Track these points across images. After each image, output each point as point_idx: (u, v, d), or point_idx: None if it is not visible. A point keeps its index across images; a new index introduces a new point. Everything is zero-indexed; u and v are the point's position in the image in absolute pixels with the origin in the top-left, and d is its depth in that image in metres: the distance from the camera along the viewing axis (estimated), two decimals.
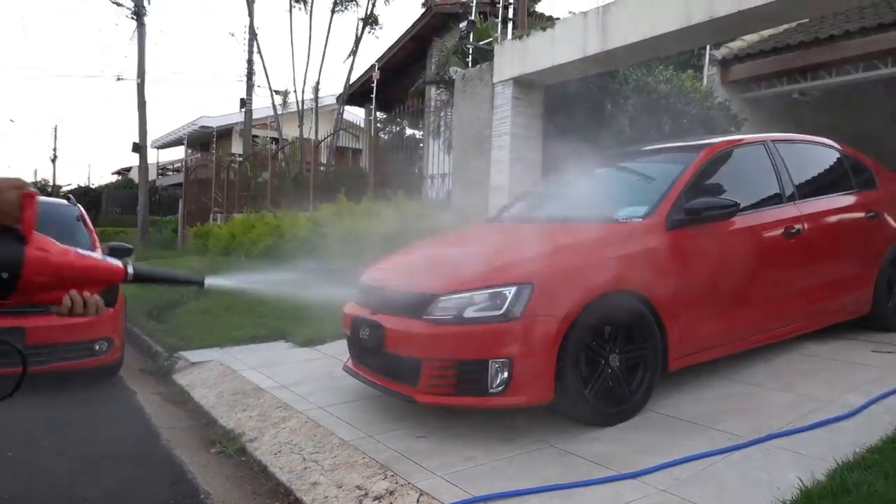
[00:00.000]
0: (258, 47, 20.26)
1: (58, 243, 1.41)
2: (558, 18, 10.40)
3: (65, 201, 6.28)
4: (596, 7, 6.40)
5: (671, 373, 3.46)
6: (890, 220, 4.64)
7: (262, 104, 23.28)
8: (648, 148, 4.91)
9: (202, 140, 28.23)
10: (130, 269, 1.51)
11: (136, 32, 18.30)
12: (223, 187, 17.15)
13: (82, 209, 6.09)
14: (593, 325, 3.16)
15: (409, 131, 17.44)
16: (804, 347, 4.24)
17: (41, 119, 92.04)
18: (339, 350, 4.91)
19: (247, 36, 21.68)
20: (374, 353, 3.52)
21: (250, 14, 19.99)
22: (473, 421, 3.30)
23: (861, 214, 4.52)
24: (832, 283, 4.27)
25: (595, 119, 7.55)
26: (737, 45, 9.49)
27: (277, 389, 4.19)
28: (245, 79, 21.92)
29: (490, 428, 3.21)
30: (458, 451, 2.98)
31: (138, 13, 18.26)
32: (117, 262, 1.50)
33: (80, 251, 1.45)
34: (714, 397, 3.50)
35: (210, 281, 1.75)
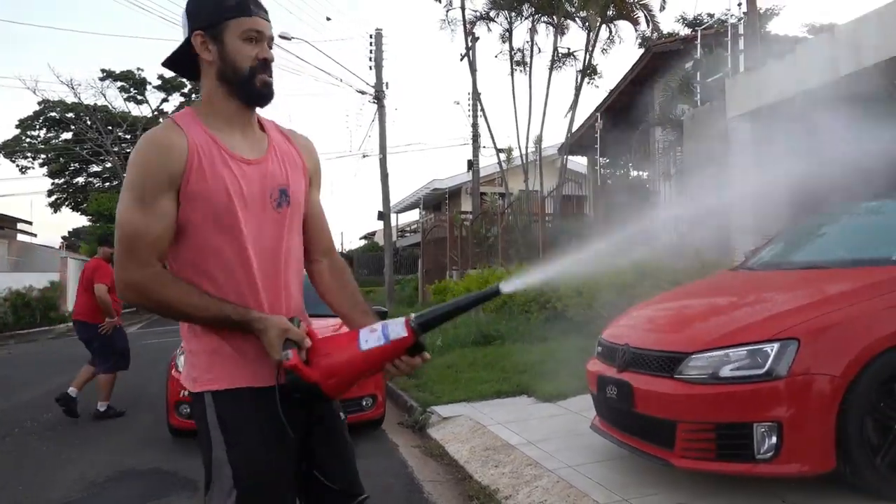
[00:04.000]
0: (482, 110, 21.45)
1: (342, 345, 1.58)
2: (796, 37, 9.59)
3: None
4: (845, 23, 5.80)
5: None
6: None
7: (487, 162, 24.56)
8: None
9: (434, 201, 30.41)
10: (414, 326, 1.55)
11: (376, 114, 20.50)
12: (457, 245, 18.21)
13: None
14: (880, 383, 2.79)
15: (633, 173, 17.08)
16: None
17: None
18: (581, 406, 4.88)
19: (471, 102, 23.13)
20: (622, 412, 3.46)
21: (473, 82, 21.33)
22: (741, 488, 3.06)
23: None
24: None
25: (860, 145, 6.72)
26: None
27: (525, 446, 4.28)
28: (471, 141, 23.33)
29: (760, 498, 2.95)
30: None
31: (378, 97, 20.47)
32: (401, 333, 1.55)
33: (365, 342, 1.56)
34: None
35: (506, 285, 1.61)
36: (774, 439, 2.77)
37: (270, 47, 1.66)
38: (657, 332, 3.67)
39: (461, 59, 21.79)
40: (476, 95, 21.92)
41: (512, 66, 19.09)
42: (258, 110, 1.73)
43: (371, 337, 1.56)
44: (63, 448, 5.34)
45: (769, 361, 2.85)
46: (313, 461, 1.72)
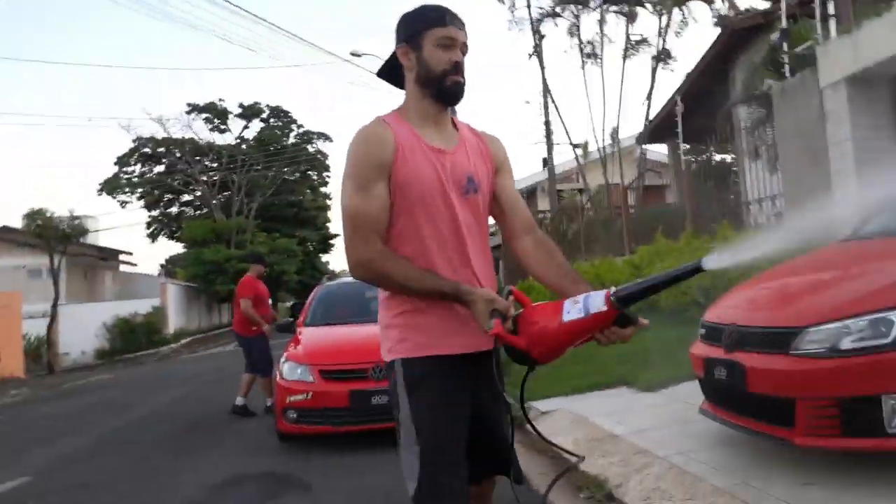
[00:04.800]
0: (555, 106, 21.28)
1: (547, 314, 1.68)
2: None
3: None
4: None
5: None
6: None
7: (561, 159, 24.28)
8: None
9: None
10: (613, 300, 1.58)
11: None
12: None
13: None
14: None
15: (717, 157, 16.45)
16: None
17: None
18: (684, 394, 4.74)
19: (542, 99, 22.97)
20: (734, 394, 3.33)
21: (543, 79, 21.21)
22: (869, 466, 2.89)
23: None
24: None
25: None
26: None
27: (632, 435, 4.19)
28: (544, 139, 23.13)
29: (890, 472, 2.78)
30: (856, 500, 2.63)
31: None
32: (600, 307, 1.59)
33: (567, 313, 1.63)
34: None
35: (709, 261, 1.51)
36: None
37: (464, 53, 1.87)
38: (765, 309, 3.52)
39: (530, 58, 21.69)
40: (547, 91, 21.75)
41: (582, 58, 18.87)
42: (451, 110, 1.98)
43: (573, 309, 1.63)
44: (180, 456, 5.65)
45: (894, 329, 2.68)
46: (481, 425, 1.90)
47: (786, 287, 3.73)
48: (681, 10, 17.26)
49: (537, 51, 20.56)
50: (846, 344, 2.80)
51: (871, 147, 6.47)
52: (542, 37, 20.69)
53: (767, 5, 12.90)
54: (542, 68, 21.01)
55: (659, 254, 8.58)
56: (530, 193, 27.77)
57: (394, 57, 1.92)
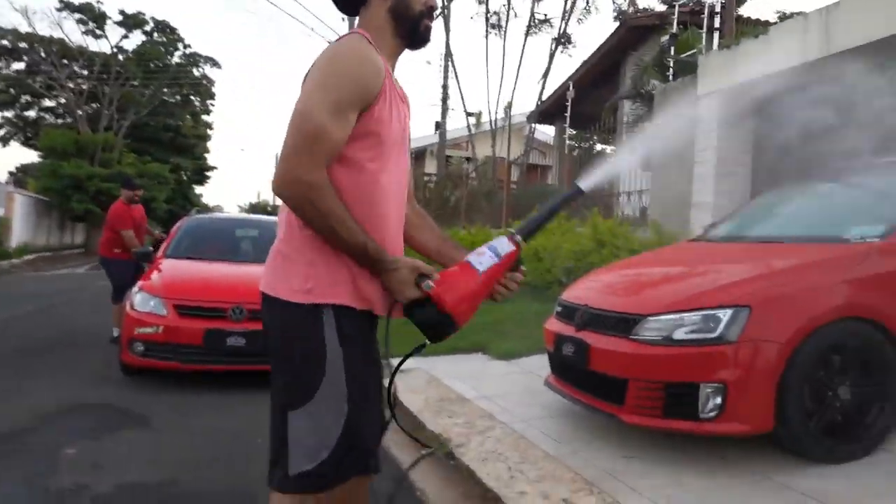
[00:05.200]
0: (454, 72, 21.27)
1: (462, 273, 1.65)
2: (767, 21, 9.73)
3: None
4: (818, 9, 5.92)
5: None
6: None
7: (455, 126, 24.42)
8: (882, 160, 4.43)
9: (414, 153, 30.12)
10: (519, 238, 1.66)
11: None
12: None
13: None
14: (820, 353, 2.94)
15: (599, 147, 17.21)
16: None
17: (266, 147, 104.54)
18: (535, 365, 5.01)
19: (442, 63, 22.85)
20: (577, 370, 3.57)
21: (447, 42, 21.06)
22: (683, 445, 3.21)
23: None
24: None
25: (815, 129, 6.92)
26: None
27: (480, 400, 4.38)
28: (440, 102, 23.10)
29: (702, 454, 3.11)
30: (666, 475, 2.92)
31: None
32: (508, 247, 1.65)
33: (480, 265, 1.64)
34: None
35: (584, 183, 1.69)
36: (719, 400, 2.90)
37: None
38: (616, 294, 3.77)
39: (435, 18, 21.41)
40: (448, 55, 21.67)
41: (487, 28, 18.91)
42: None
43: (483, 259, 1.63)
44: (10, 379, 5.24)
45: (721, 326, 2.97)
46: None
47: (637, 276, 4.02)
48: None
49: (444, 12, 20.39)
50: (679, 334, 3.06)
51: (730, 159, 7.05)
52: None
53: (664, 8, 13.55)
54: (447, 31, 20.89)
55: None
56: (419, 155, 27.75)
57: None
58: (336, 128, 1.54)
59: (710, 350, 2.96)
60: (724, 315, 2.98)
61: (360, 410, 1.60)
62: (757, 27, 8.05)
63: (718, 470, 2.96)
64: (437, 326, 1.61)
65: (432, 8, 1.73)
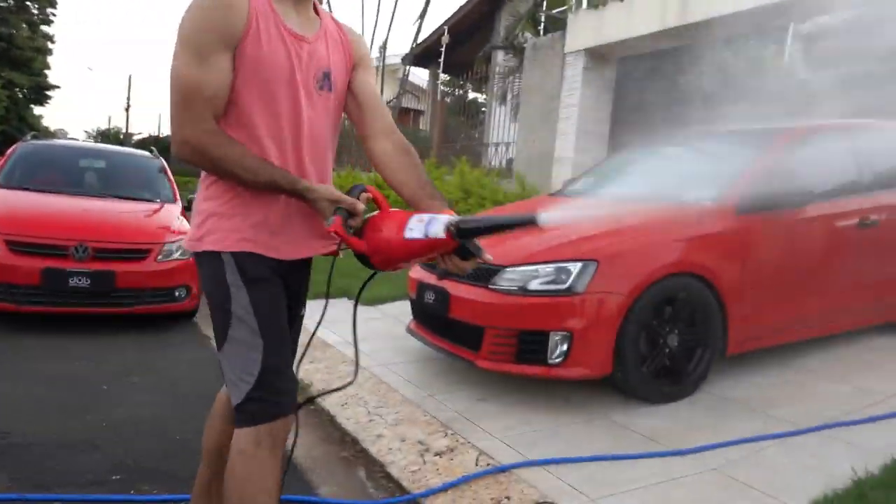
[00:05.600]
0: (328, 5, 20.32)
1: (390, 226, 1.60)
2: None
3: (148, 153, 6.61)
4: None
5: (730, 356, 3.51)
6: None
7: None
8: (723, 129, 4.84)
9: None
10: (452, 230, 1.48)
11: None
12: None
13: (164, 162, 6.41)
14: (655, 304, 3.22)
15: (472, 95, 17.35)
16: (870, 340, 4.19)
17: (119, 70, 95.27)
18: (399, 311, 5.10)
19: None
20: (437, 317, 3.67)
21: None
22: (533, 389, 3.43)
23: None
24: None
25: (668, 95, 7.40)
26: (823, 19, 9.05)
27: (342, 345, 4.41)
28: None
29: (548, 397, 3.35)
30: (516, 416, 3.13)
31: None
32: (439, 233, 1.49)
33: (409, 231, 1.54)
34: (771, 382, 3.54)
35: (546, 217, 1.44)
36: (565, 347, 3.13)
37: None
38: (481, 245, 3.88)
39: None
40: None
41: None
42: None
43: (416, 227, 1.54)
44: None
45: (571, 278, 3.17)
46: None
47: None
48: None
49: None
50: (534, 285, 3.24)
51: (591, 117, 7.39)
52: None
53: None
54: None
55: None
56: None
57: None
58: (205, 76, 1.53)
59: (559, 300, 3.16)
60: (575, 268, 3.18)
61: (275, 344, 1.66)
62: None
63: (563, 410, 3.20)
64: (360, 259, 1.64)
65: None
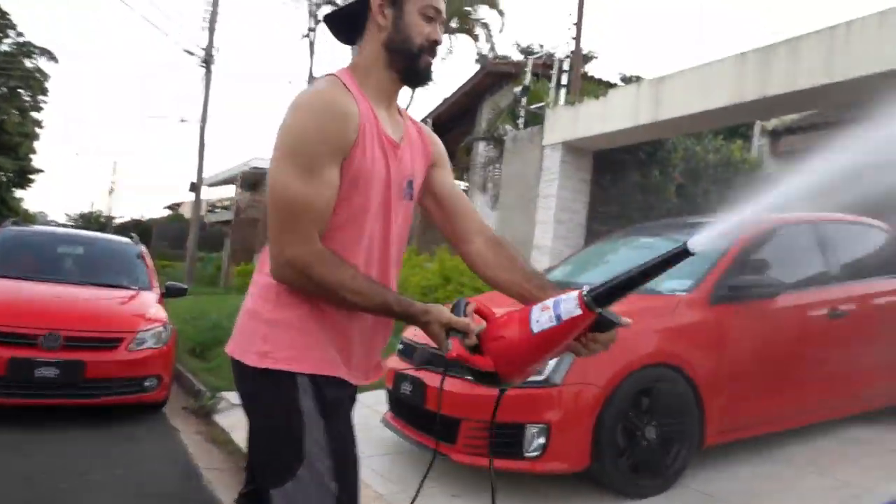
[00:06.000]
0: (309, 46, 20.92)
1: (512, 326, 1.43)
2: (609, 82, 10.63)
3: (128, 239, 6.61)
4: (650, 79, 6.58)
5: (707, 447, 3.45)
6: None
7: None
8: (695, 219, 4.96)
9: (253, 180, 29.11)
10: (588, 300, 1.33)
11: (204, 79, 19.26)
12: None
13: (144, 248, 6.39)
14: (632, 396, 3.19)
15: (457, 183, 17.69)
16: (844, 432, 4.15)
17: (104, 155, 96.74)
18: (375, 400, 4.99)
19: (307, 85, 22.57)
20: (414, 408, 3.60)
21: (311, 65, 20.86)
22: (510, 484, 3.33)
23: None
24: (878, 366, 4.20)
25: (642, 185, 7.64)
26: (789, 116, 9.51)
27: None
28: None
29: (525, 491, 3.24)
30: None
31: (207, 61, 19.27)
32: (573, 311, 1.34)
33: (536, 323, 1.39)
34: (749, 475, 3.47)
35: (696, 243, 1.26)
36: (542, 439, 3.06)
37: (442, 30, 1.58)
38: None
39: (303, 38, 21.24)
40: (311, 79, 21.42)
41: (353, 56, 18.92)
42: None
43: (542, 316, 1.38)
44: None
45: (548, 369, 3.14)
46: None
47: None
48: (449, 38, 18.34)
49: (311, 34, 20.23)
50: None
51: (568, 207, 7.57)
52: (318, 21, 20.42)
53: (521, 58, 14.36)
54: (312, 54, 20.71)
55: None
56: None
57: (358, 3, 1.56)
58: (314, 193, 1.41)
59: (536, 392, 3.12)
60: (552, 360, 3.16)
61: (349, 490, 1.49)
62: (600, 87, 8.77)
63: None
64: (483, 378, 1.48)
65: (435, 42, 1.56)
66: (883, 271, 4.51)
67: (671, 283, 3.76)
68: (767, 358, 3.71)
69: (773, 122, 9.45)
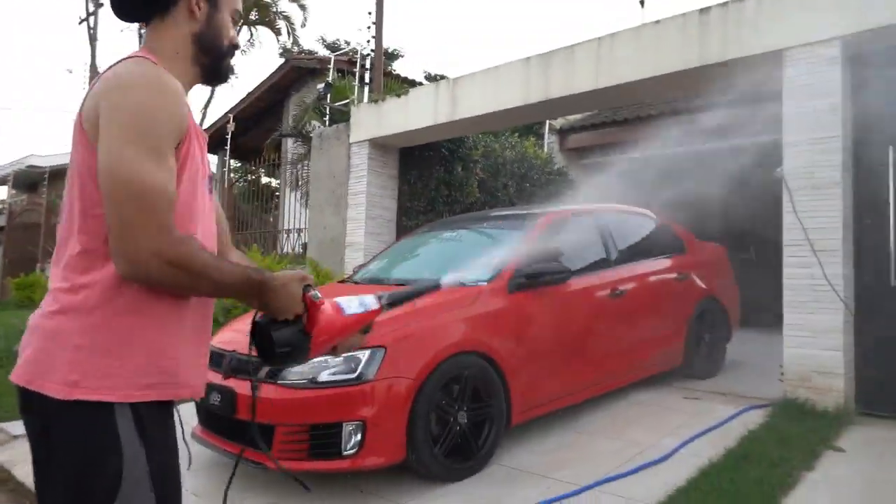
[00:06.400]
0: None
1: (334, 311, 1.53)
2: (414, 80, 10.92)
3: None
4: (447, 80, 6.86)
5: (515, 425, 3.72)
6: (697, 281, 5.32)
7: None
8: (494, 213, 5.30)
9: (29, 181, 25.80)
10: (384, 301, 1.64)
11: None
12: (54, 234, 15.78)
13: None
14: (442, 384, 3.34)
15: (265, 180, 17.12)
16: (631, 396, 4.70)
17: None
18: (187, 414, 4.70)
19: (88, 74, 20.42)
20: (225, 419, 3.45)
21: (92, 52, 18.94)
22: (329, 483, 3.33)
23: (673, 276, 5.15)
24: (652, 337, 4.81)
25: (446, 181, 7.96)
26: (573, 116, 10.44)
27: None
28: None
29: (344, 489, 3.26)
30: None
31: None
32: (374, 304, 1.61)
33: (347, 307, 1.56)
34: (552, 447, 3.80)
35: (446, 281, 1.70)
36: (359, 436, 3.10)
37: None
38: None
39: (80, 23, 19.19)
40: (94, 69, 19.43)
41: (140, 40, 17.47)
42: None
43: (351, 304, 1.57)
44: None
45: (360, 367, 3.18)
46: None
47: None
48: (249, 30, 17.64)
49: (90, 19, 18.34)
50: (324, 376, 3.19)
51: (378, 204, 7.69)
52: (99, 5, 18.56)
53: (327, 53, 14.22)
54: (93, 41, 18.78)
55: None
56: (57, 175, 24.13)
57: None
58: (169, 177, 1.30)
59: (350, 390, 3.15)
60: (364, 356, 3.21)
61: None
62: (404, 85, 8.97)
63: (359, 502, 3.13)
64: (293, 347, 1.46)
65: (236, 46, 1.56)
66: (651, 254, 5.16)
67: (473, 273, 3.99)
68: (562, 338, 4.08)
69: (560, 122, 10.32)
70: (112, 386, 1.32)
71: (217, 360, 3.65)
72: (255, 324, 1.47)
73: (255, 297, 1.40)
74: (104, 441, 1.30)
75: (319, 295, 1.48)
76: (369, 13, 9.26)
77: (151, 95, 1.32)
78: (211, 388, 3.54)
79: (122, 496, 1.30)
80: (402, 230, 7.59)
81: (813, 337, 4.24)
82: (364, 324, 1.63)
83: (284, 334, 1.45)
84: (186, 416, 4.55)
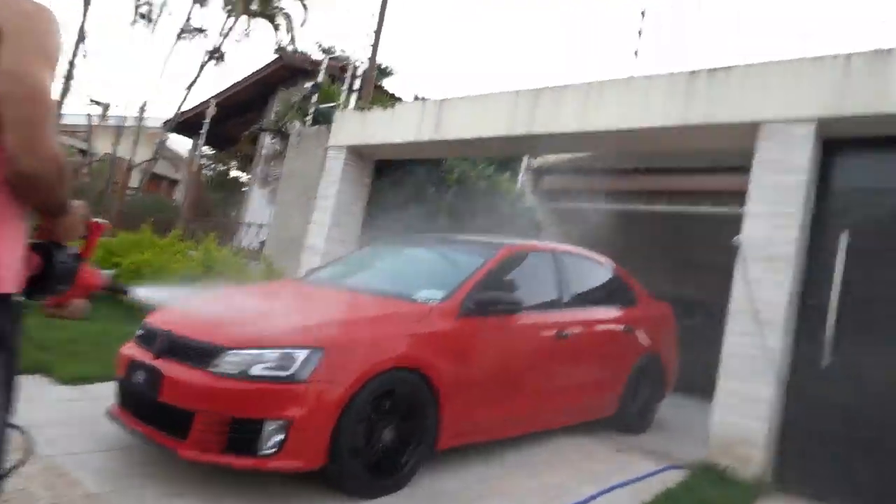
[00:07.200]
0: (84, 52, 18.73)
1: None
2: (400, 99, 10.97)
3: None
4: (435, 99, 6.89)
5: (443, 450, 3.66)
6: (641, 335, 5.37)
7: (78, 111, 21.35)
8: (457, 237, 5.28)
9: None
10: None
11: None
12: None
13: None
14: (375, 396, 3.27)
15: (235, 174, 16.94)
16: (558, 439, 4.68)
17: None
18: (102, 392, 4.53)
19: (74, 41, 20.00)
20: (145, 400, 3.33)
21: (83, 19, 18.60)
22: (243, 482, 3.21)
23: (620, 327, 5.19)
24: (590, 383, 4.82)
25: (417, 199, 7.95)
26: (551, 157, 10.56)
27: (30, 430, 3.75)
28: (63, 78, 20.06)
29: (255, 491, 3.15)
30: None
31: None
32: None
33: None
34: (474, 479, 3.74)
35: (141, 292, 1.86)
36: (281, 437, 3.00)
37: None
38: (205, 323, 3.65)
39: None
40: (82, 36, 19.06)
41: (136, 14, 17.26)
42: None
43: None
44: None
45: (295, 366, 3.10)
46: None
47: (231, 307, 3.96)
48: (248, 20, 17.54)
49: None
50: (256, 370, 3.10)
51: (345, 211, 7.63)
52: None
53: (321, 56, 14.21)
54: (87, 5, 18.46)
55: (140, 245, 8.18)
56: None
57: None
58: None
59: (280, 387, 3.07)
60: (301, 355, 3.13)
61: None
62: (391, 100, 8.99)
63: None
64: (66, 271, 1.64)
65: None
66: (603, 301, 5.20)
67: (426, 292, 3.96)
68: (502, 370, 4.05)
69: (537, 162, 10.43)
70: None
71: (150, 338, 3.54)
72: (34, 246, 1.59)
73: (62, 212, 1.60)
74: None
75: (104, 221, 1.77)
76: (372, 14, 9.27)
77: (58, 29, 1.55)
78: (137, 365, 3.43)
79: None
80: (366, 240, 7.54)
81: (742, 405, 4.30)
82: (93, 289, 1.77)
83: (62, 258, 1.64)
84: (107, 394, 4.42)
